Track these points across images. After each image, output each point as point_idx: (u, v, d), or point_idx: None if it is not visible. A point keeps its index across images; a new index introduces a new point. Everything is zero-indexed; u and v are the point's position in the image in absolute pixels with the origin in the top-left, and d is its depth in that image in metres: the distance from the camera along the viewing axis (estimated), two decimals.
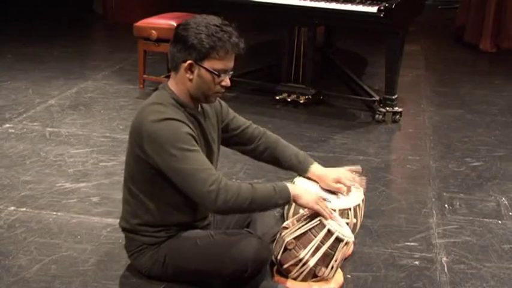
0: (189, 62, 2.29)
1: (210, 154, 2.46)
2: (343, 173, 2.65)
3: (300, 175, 2.69)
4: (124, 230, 2.53)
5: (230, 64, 2.34)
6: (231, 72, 2.37)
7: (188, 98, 2.38)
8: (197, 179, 2.24)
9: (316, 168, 2.66)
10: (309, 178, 2.67)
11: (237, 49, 2.32)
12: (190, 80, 2.32)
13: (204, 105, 2.47)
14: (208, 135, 2.46)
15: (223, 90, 2.38)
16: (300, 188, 2.47)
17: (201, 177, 2.24)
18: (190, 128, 2.32)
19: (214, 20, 2.31)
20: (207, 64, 2.29)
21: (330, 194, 2.63)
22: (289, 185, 2.40)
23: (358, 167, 2.72)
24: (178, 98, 2.36)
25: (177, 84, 2.36)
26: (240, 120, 2.67)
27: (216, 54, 2.28)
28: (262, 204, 2.33)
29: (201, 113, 2.44)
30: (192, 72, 2.31)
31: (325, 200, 2.47)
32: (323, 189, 2.64)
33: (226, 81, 2.35)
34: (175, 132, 2.27)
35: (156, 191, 2.39)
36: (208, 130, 2.47)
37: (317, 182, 2.66)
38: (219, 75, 2.31)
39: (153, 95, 2.43)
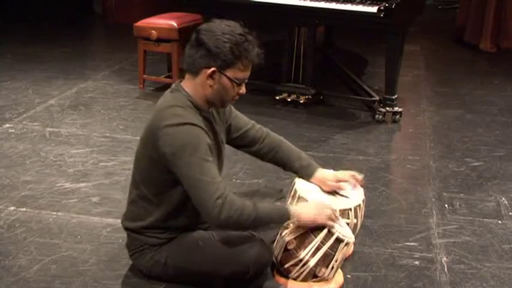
0: (212, 69, 2.29)
1: (219, 155, 2.47)
2: (341, 172, 2.68)
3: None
4: (127, 229, 2.53)
5: (249, 73, 2.37)
6: (246, 80, 2.39)
7: (203, 102, 2.37)
8: (205, 191, 2.23)
9: (319, 173, 2.67)
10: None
11: (258, 60, 2.34)
12: (211, 86, 2.32)
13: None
14: (218, 136, 2.47)
15: (237, 97, 2.40)
16: (298, 207, 2.44)
17: (209, 190, 2.23)
18: (207, 135, 2.32)
19: (238, 28, 2.31)
20: (229, 73, 2.30)
21: (330, 195, 2.63)
22: (289, 205, 2.42)
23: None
24: (194, 101, 2.35)
25: (195, 87, 2.35)
26: (242, 122, 2.67)
27: (240, 64, 2.30)
28: (263, 222, 2.32)
29: (212, 115, 2.45)
30: (214, 79, 2.31)
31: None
32: (324, 191, 2.64)
33: (243, 90, 2.38)
34: (195, 139, 2.26)
35: (168, 193, 2.38)
36: (219, 132, 2.48)
37: (318, 186, 2.66)
38: (239, 84, 2.33)
39: (168, 96, 2.40)
